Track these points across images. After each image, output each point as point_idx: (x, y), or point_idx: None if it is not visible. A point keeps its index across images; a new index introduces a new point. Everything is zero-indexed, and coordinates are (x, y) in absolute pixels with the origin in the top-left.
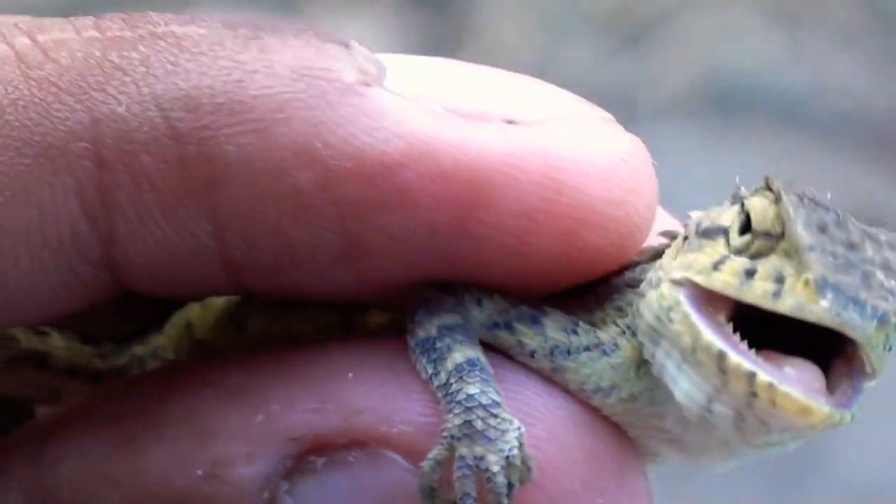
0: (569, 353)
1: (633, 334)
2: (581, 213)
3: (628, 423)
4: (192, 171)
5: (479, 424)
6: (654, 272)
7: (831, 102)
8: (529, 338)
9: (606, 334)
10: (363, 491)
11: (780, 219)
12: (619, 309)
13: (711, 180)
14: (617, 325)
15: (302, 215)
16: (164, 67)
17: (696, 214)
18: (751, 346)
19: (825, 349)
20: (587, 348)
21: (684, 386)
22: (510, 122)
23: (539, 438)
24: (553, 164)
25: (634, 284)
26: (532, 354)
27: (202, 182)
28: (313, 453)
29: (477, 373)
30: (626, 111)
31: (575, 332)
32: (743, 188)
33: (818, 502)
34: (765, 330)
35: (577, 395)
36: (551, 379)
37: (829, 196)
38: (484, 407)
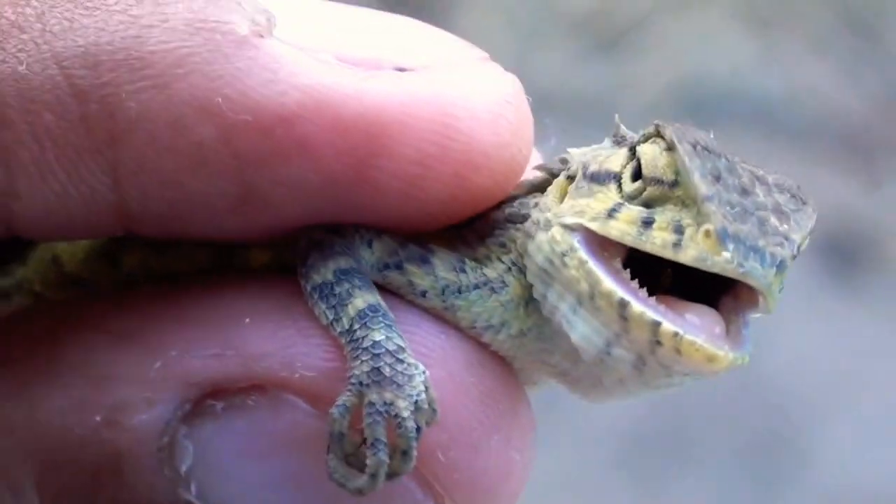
0: (459, 291)
1: (520, 271)
2: (471, 158)
3: (516, 357)
4: (94, 127)
5: (387, 371)
6: (539, 213)
7: (804, 106)
8: (420, 278)
9: (493, 271)
10: (264, 434)
11: (673, 167)
12: (502, 245)
13: None
14: (502, 261)
15: (201, 168)
16: (61, 24)
17: (576, 153)
18: (643, 286)
19: (710, 283)
20: (476, 286)
21: (582, 329)
22: (400, 69)
23: (438, 379)
24: (445, 110)
25: (515, 219)
26: (423, 294)
27: (104, 138)
28: (212, 398)
29: (380, 318)
30: (603, 116)
31: (463, 271)
32: (624, 128)
33: None
34: (650, 269)
35: (468, 333)
36: (443, 318)
37: (712, 136)
38: (390, 353)
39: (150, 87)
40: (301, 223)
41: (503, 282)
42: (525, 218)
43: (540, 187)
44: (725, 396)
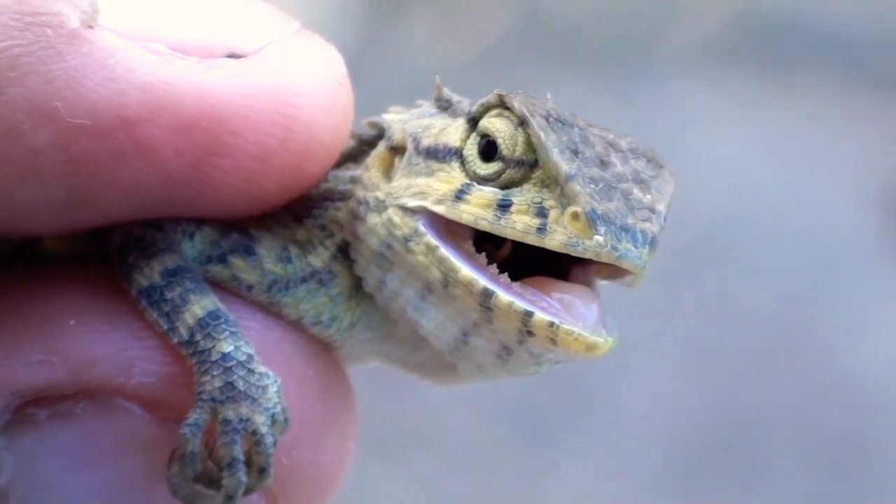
0: (287, 287)
1: (347, 257)
2: (310, 147)
3: (343, 346)
4: None
5: (240, 384)
6: (365, 191)
7: None
8: (246, 272)
9: (318, 259)
10: (93, 442)
11: (530, 145)
12: (323, 228)
13: (752, 143)
14: (325, 246)
15: (32, 175)
16: None
17: (393, 119)
18: (500, 269)
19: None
20: (304, 279)
21: (434, 316)
22: (233, 54)
23: (282, 380)
24: (286, 100)
25: (332, 196)
26: (249, 289)
27: None
28: (34, 405)
29: (223, 326)
30: (637, 59)
31: (289, 260)
32: (447, 89)
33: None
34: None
35: (296, 325)
36: (269, 310)
37: (549, 97)
38: (241, 364)
39: None
40: (120, 220)
41: (331, 272)
42: (344, 195)
43: (350, 156)
44: (799, 397)
